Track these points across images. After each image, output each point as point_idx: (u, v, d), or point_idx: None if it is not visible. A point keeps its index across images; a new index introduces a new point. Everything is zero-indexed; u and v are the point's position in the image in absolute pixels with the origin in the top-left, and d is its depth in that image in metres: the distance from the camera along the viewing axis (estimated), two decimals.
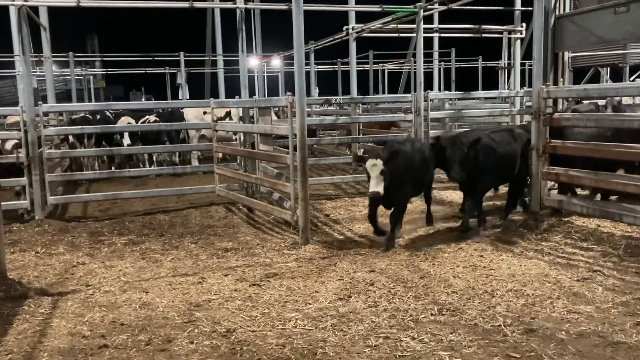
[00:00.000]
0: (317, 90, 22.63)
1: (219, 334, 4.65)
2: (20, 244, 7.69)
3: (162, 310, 5.22)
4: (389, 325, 4.72)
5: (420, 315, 4.91)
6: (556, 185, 8.30)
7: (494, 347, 4.28)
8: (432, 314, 4.93)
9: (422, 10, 10.16)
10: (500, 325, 4.66)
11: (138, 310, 5.25)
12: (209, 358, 4.25)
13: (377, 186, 6.55)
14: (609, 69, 17.73)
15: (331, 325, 4.75)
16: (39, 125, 9.00)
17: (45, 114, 10.38)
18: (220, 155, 11.18)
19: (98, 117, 14.53)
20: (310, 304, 5.26)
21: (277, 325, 4.77)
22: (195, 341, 4.53)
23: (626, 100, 12.41)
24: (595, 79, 18.23)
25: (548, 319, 4.77)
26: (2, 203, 6.04)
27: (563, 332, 4.50)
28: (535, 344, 4.31)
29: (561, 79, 8.74)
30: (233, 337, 4.58)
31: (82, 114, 14.42)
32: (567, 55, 9.04)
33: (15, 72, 20.20)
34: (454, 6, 10.58)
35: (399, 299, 5.32)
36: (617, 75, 17.64)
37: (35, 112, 8.94)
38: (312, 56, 17.98)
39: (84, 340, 4.61)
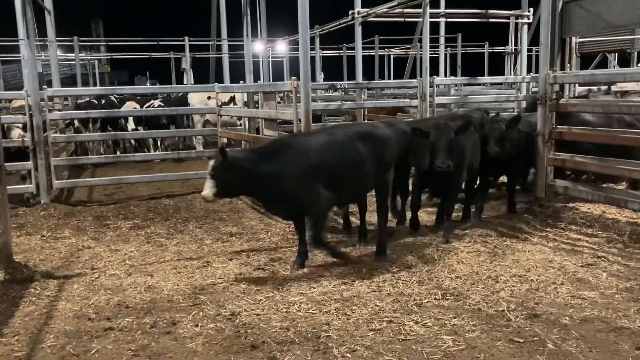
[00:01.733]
0: (322, 76, 22.56)
1: (223, 317, 4.68)
2: (26, 227, 7.73)
3: (167, 294, 5.25)
4: (393, 310, 4.74)
5: (424, 300, 4.92)
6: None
7: (498, 332, 4.30)
8: (435, 299, 4.94)
9: None
10: (503, 310, 4.67)
11: (143, 293, 5.28)
12: (213, 341, 4.28)
13: (206, 188, 5.59)
14: (616, 54, 17.55)
15: (335, 309, 4.77)
16: (44, 109, 9.00)
17: (50, 98, 10.40)
18: (225, 140, 11.18)
19: (103, 101, 14.54)
20: (314, 288, 5.27)
21: (281, 309, 4.80)
22: (200, 324, 4.56)
23: (632, 86, 12.27)
24: (603, 65, 18.05)
25: (552, 304, 4.77)
26: (7, 187, 6.05)
27: (567, 317, 4.51)
28: (538, 328, 4.32)
29: (568, 65, 8.67)
30: (237, 321, 4.61)
31: (87, 99, 14.43)
32: (575, 40, 8.95)
33: (19, 57, 20.17)
34: None
35: (402, 283, 5.33)
36: (625, 61, 17.47)
37: (40, 96, 8.93)
38: (317, 41, 17.90)
39: (90, 323, 4.65)
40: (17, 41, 18.10)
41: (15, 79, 26.57)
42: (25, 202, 9.02)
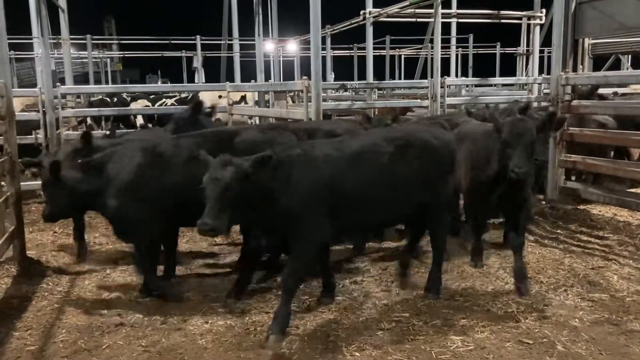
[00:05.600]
0: (333, 75, 22.52)
1: (233, 315, 4.71)
2: (38, 223, 7.77)
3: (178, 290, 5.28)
4: (402, 309, 4.75)
5: (433, 300, 4.92)
6: None
7: (507, 333, 4.29)
8: (444, 299, 4.94)
9: None
10: (513, 311, 4.66)
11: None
12: (223, 338, 4.31)
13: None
14: (629, 56, 17.42)
15: (344, 308, 4.79)
16: (57, 106, 9.08)
17: (63, 95, 10.47)
18: None
19: (115, 99, 14.62)
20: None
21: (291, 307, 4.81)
22: (209, 321, 4.59)
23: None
24: (616, 66, 17.92)
25: (562, 306, 4.76)
26: (21, 183, 6.12)
27: (577, 320, 4.50)
28: (548, 330, 4.32)
29: (580, 66, 8.62)
30: (247, 318, 4.64)
31: (100, 96, 14.52)
32: (588, 42, 8.90)
33: (33, 54, 20.34)
34: None
35: (411, 284, 5.32)
36: (638, 63, 17.33)
37: (54, 93, 9.00)
38: (328, 41, 17.86)
39: (101, 318, 4.70)
40: (31, 39, 18.31)
41: (29, 76, 26.75)
42: (38, 198, 9.08)
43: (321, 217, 4.34)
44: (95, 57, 24.30)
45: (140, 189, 4.81)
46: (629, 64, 17.79)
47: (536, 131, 4.85)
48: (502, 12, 12.39)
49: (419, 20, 13.56)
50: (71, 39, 14.17)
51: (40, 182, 5.49)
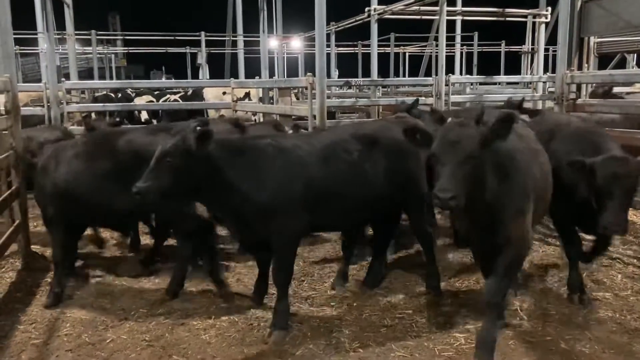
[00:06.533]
0: (337, 72, 22.52)
1: (236, 310, 4.71)
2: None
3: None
4: (405, 306, 4.75)
5: (436, 298, 4.92)
6: None
7: (510, 331, 4.29)
8: (447, 297, 4.94)
9: None
10: (516, 309, 4.66)
11: (158, 284, 5.33)
12: (226, 333, 4.33)
13: None
14: (635, 55, 17.35)
15: (347, 305, 4.79)
16: (61, 102, 9.10)
17: (68, 91, 10.51)
18: None
19: (119, 95, 14.64)
20: (326, 283, 5.30)
21: (294, 303, 4.81)
22: (213, 316, 4.60)
23: None
24: (621, 65, 17.85)
25: (565, 305, 4.75)
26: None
27: (580, 318, 4.49)
28: (551, 328, 4.31)
29: (586, 65, 8.59)
30: (250, 314, 4.64)
31: (104, 92, 14.55)
32: (593, 40, 8.87)
33: (38, 50, 20.38)
34: None
35: (414, 281, 5.33)
36: None
37: (59, 88, 9.04)
38: (332, 37, 17.87)
39: (105, 313, 4.72)
40: (36, 34, 18.34)
41: (33, 71, 26.82)
42: None
43: (295, 210, 4.23)
44: (99, 53, 24.33)
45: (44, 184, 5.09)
46: (634, 62, 17.73)
47: (482, 143, 3.44)
48: (508, 10, 12.38)
49: (423, 17, 13.53)
50: (76, 34, 14.20)
51: None
